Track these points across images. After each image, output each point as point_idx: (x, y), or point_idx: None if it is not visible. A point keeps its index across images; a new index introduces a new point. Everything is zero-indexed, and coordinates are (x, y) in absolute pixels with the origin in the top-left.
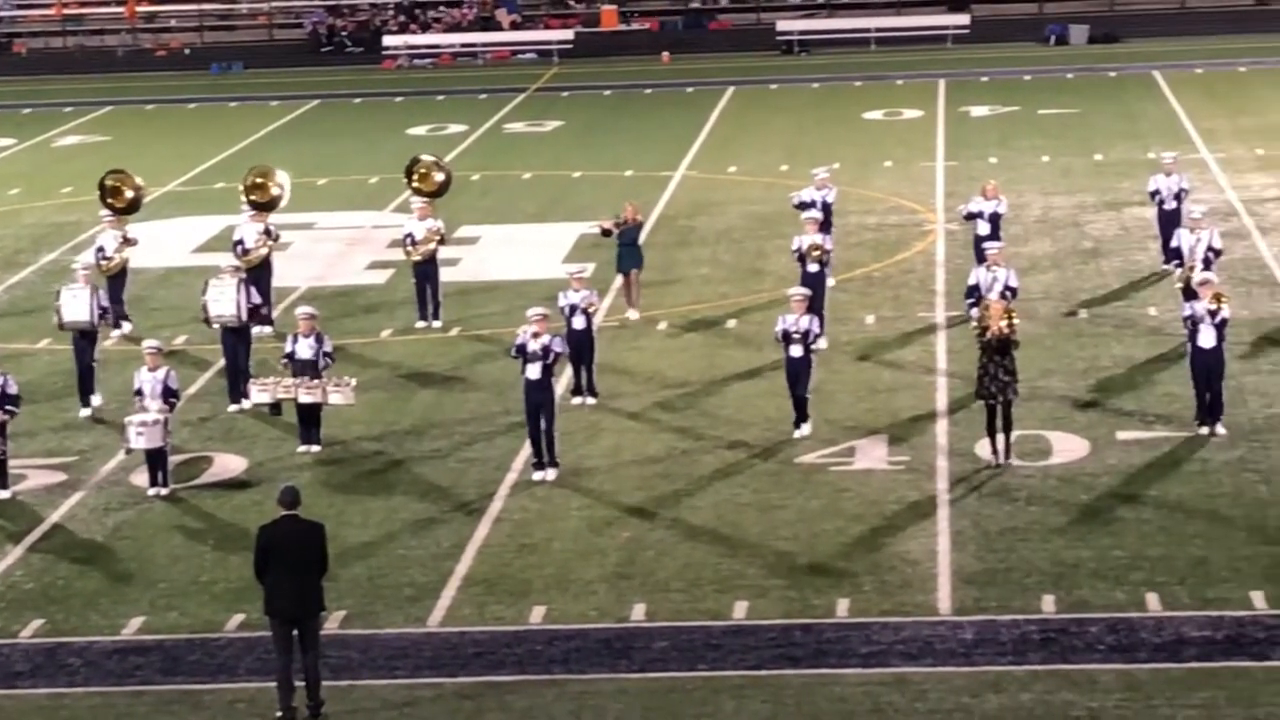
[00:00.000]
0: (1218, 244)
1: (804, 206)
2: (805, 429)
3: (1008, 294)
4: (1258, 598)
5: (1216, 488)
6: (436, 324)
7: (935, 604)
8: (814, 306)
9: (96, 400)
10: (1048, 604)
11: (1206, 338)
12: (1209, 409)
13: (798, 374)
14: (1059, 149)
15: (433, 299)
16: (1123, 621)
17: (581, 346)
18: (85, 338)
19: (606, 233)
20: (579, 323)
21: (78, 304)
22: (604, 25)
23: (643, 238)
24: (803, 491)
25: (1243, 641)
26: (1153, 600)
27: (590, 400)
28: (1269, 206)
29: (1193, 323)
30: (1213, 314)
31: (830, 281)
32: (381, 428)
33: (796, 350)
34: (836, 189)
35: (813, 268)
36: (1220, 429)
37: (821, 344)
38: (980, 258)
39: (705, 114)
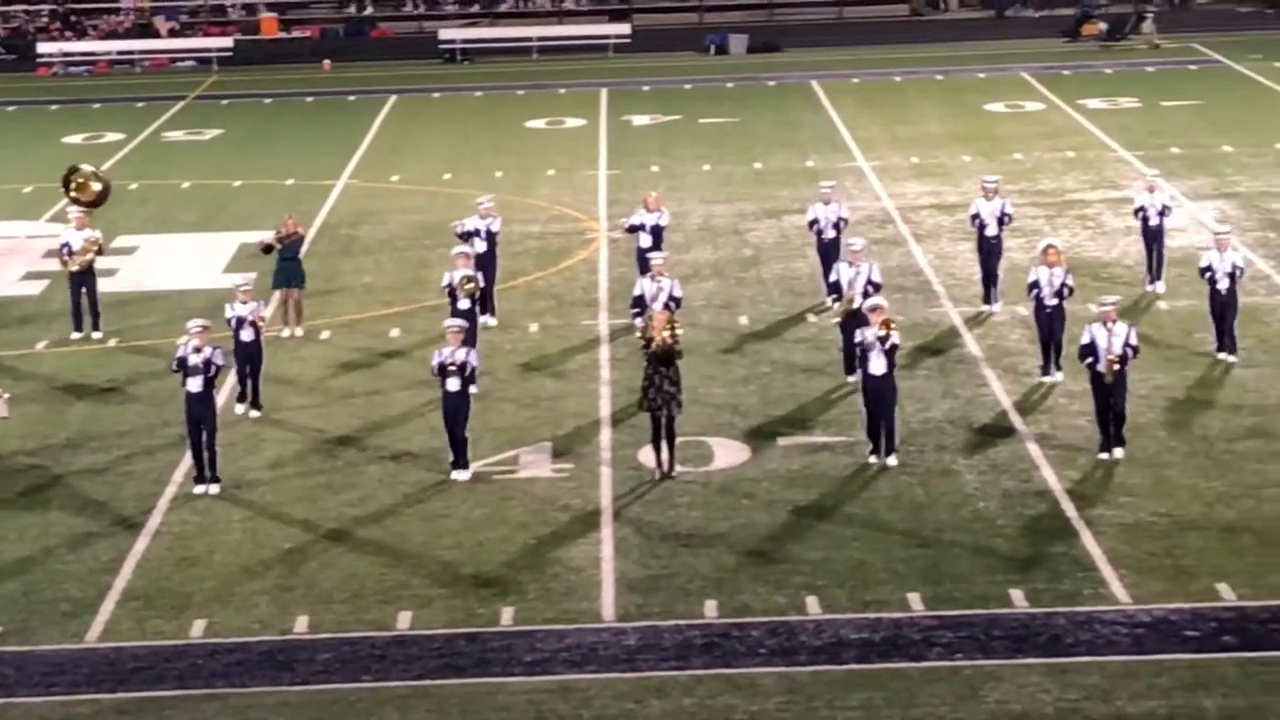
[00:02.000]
0: (877, 277)
1: (467, 236)
2: (464, 474)
3: (672, 304)
4: (915, 599)
5: (874, 492)
6: (96, 335)
7: (599, 611)
8: (470, 339)
9: None
10: (710, 609)
11: (877, 365)
12: (880, 439)
13: (456, 409)
14: (720, 157)
15: (91, 310)
16: (783, 625)
17: (250, 358)
18: None
19: (268, 249)
20: (247, 335)
21: None
22: (264, 33)
23: (305, 248)
24: (467, 500)
25: (900, 643)
26: (812, 603)
27: (255, 413)
28: (924, 214)
29: (862, 349)
30: (882, 340)
31: (491, 321)
32: (37, 441)
33: (454, 384)
34: (500, 218)
35: (463, 303)
36: (892, 460)
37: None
38: (644, 268)
39: (367, 122)
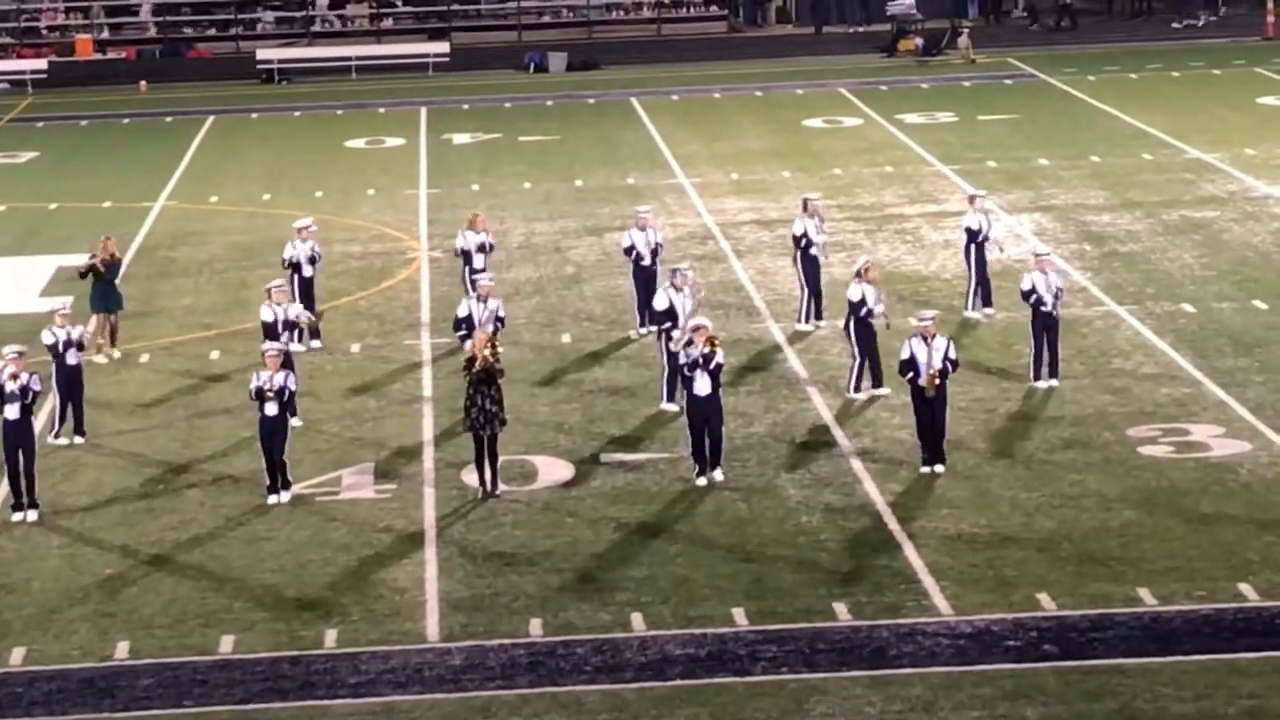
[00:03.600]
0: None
1: (296, 267)
2: (284, 496)
3: (498, 324)
4: (739, 614)
5: (697, 507)
6: None
7: (424, 631)
8: (289, 363)
9: None
10: (535, 628)
11: (702, 385)
12: (708, 456)
13: (274, 432)
14: (540, 175)
15: None
16: (608, 642)
17: (73, 383)
18: None
19: (87, 272)
20: (72, 359)
21: None
22: (79, 54)
23: (122, 270)
24: (289, 522)
25: (725, 658)
26: (637, 620)
27: (78, 439)
28: (744, 230)
29: (689, 368)
30: (707, 359)
31: (316, 344)
32: None
33: (271, 409)
34: (315, 244)
35: (298, 347)
36: (719, 475)
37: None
38: (471, 288)
39: (185, 143)
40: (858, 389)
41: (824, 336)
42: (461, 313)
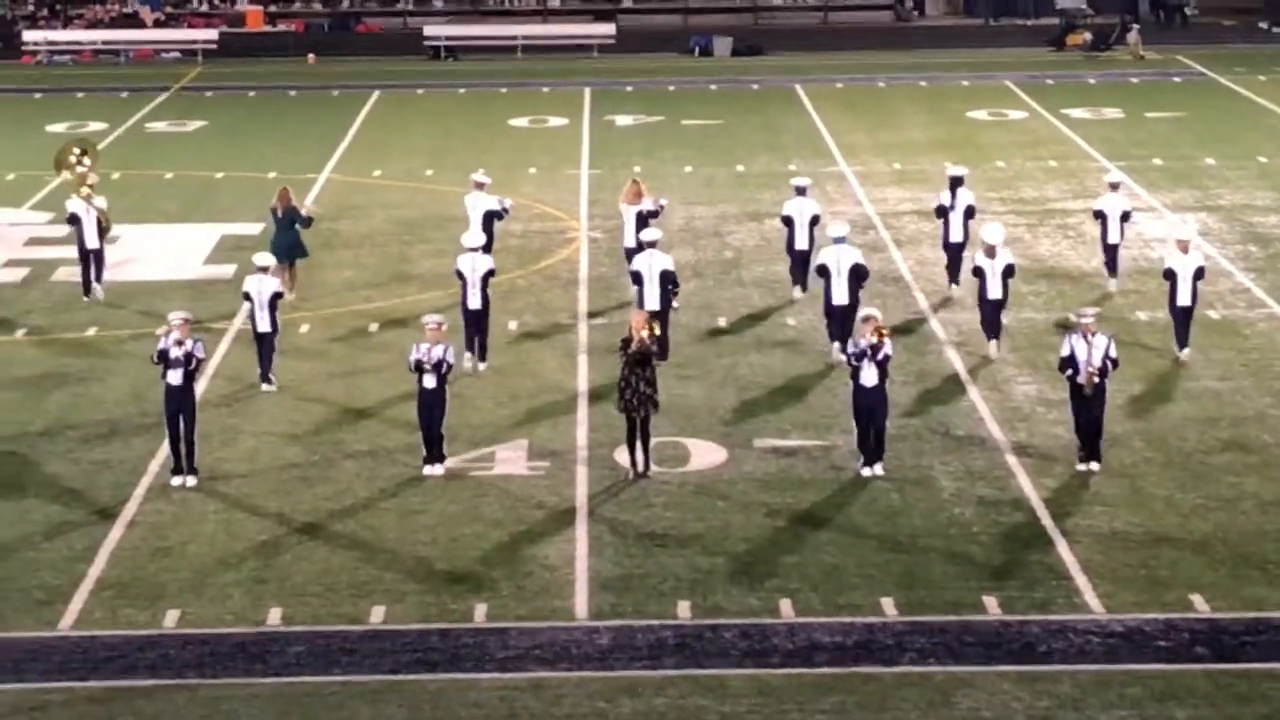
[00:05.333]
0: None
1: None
2: (438, 469)
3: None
4: (888, 604)
5: (850, 495)
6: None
7: (572, 609)
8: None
9: None
10: (683, 610)
11: (868, 376)
12: (871, 449)
13: (431, 405)
14: (702, 159)
15: (98, 270)
16: (756, 627)
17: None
18: None
19: (308, 223)
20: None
21: None
22: (249, 25)
23: (310, 221)
24: (442, 496)
25: (873, 647)
26: (786, 606)
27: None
28: (905, 220)
29: (855, 359)
30: (874, 350)
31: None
32: (14, 428)
33: (430, 381)
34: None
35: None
36: (879, 469)
37: (476, 364)
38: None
39: (351, 117)
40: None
41: (978, 330)
42: (632, 268)
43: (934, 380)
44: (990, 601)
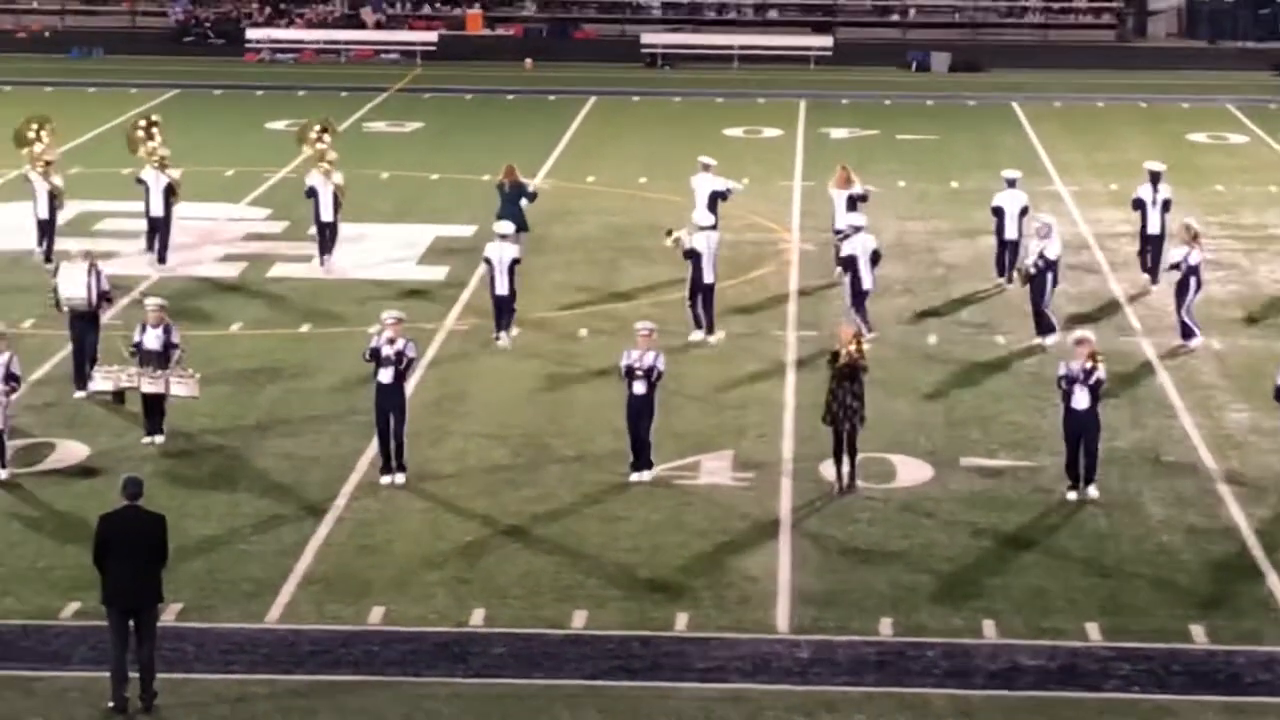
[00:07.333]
0: (1053, 254)
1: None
2: (645, 476)
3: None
4: (1093, 629)
5: (1057, 517)
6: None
7: (774, 622)
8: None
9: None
10: (885, 626)
11: (1081, 399)
12: (1082, 471)
13: (639, 412)
14: (916, 174)
15: (332, 239)
16: (958, 647)
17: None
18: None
19: (532, 197)
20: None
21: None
22: (468, 29)
23: (534, 196)
24: (646, 503)
25: (1077, 672)
26: (989, 627)
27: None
28: (1121, 241)
29: (1067, 383)
30: (1087, 374)
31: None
32: (227, 421)
33: (640, 387)
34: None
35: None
36: (1092, 491)
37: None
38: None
39: (566, 123)
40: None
41: (1198, 357)
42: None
43: (1146, 405)
44: (1197, 630)
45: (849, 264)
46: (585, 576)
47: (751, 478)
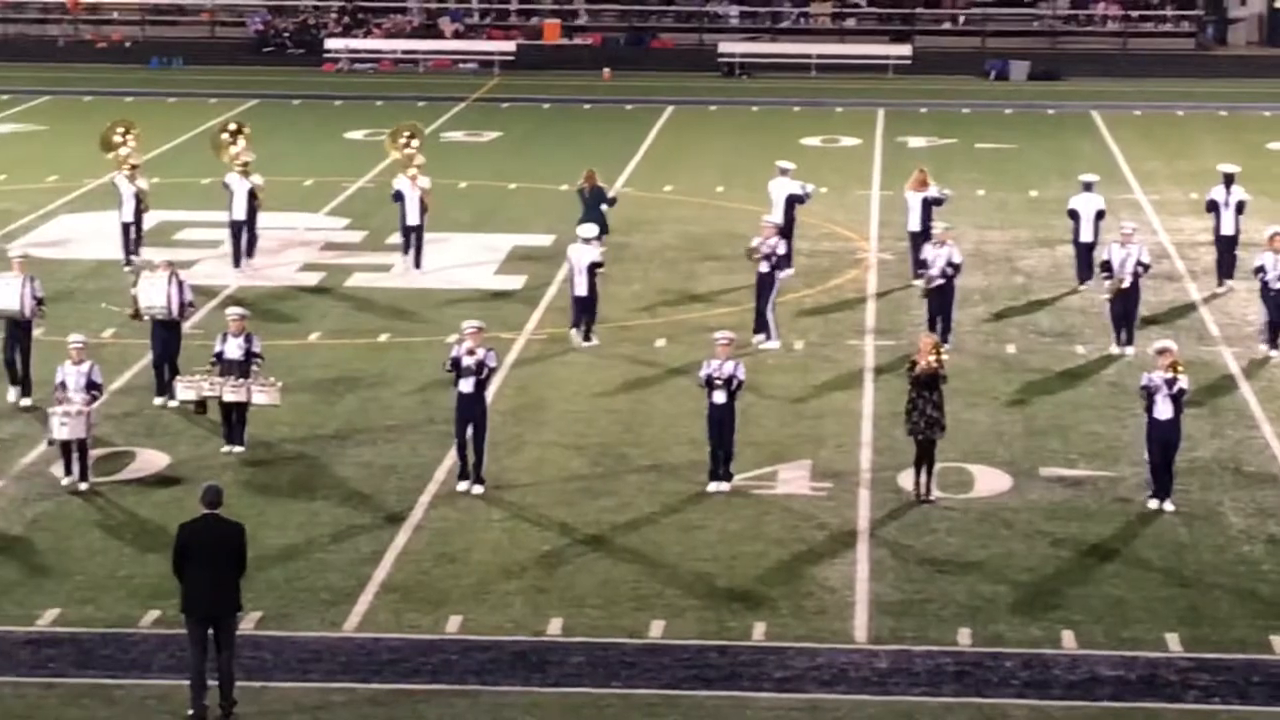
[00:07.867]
0: (1146, 259)
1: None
2: (724, 486)
3: (949, 270)
4: (1172, 640)
5: (1136, 527)
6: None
7: (851, 632)
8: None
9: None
10: (963, 637)
11: (1163, 409)
12: (1162, 483)
13: (720, 421)
14: (995, 183)
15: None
16: (1037, 658)
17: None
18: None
19: (612, 202)
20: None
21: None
22: (546, 39)
23: (614, 201)
24: (723, 513)
25: (1156, 683)
26: (1068, 638)
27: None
28: (1201, 250)
29: (1149, 393)
30: (1170, 384)
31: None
32: (306, 430)
33: (720, 397)
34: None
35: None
36: (1169, 505)
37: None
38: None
39: (644, 132)
40: (1273, 345)
41: (1277, 365)
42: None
43: (1226, 415)
44: (1278, 641)
45: (924, 265)
46: (663, 586)
47: (829, 487)
